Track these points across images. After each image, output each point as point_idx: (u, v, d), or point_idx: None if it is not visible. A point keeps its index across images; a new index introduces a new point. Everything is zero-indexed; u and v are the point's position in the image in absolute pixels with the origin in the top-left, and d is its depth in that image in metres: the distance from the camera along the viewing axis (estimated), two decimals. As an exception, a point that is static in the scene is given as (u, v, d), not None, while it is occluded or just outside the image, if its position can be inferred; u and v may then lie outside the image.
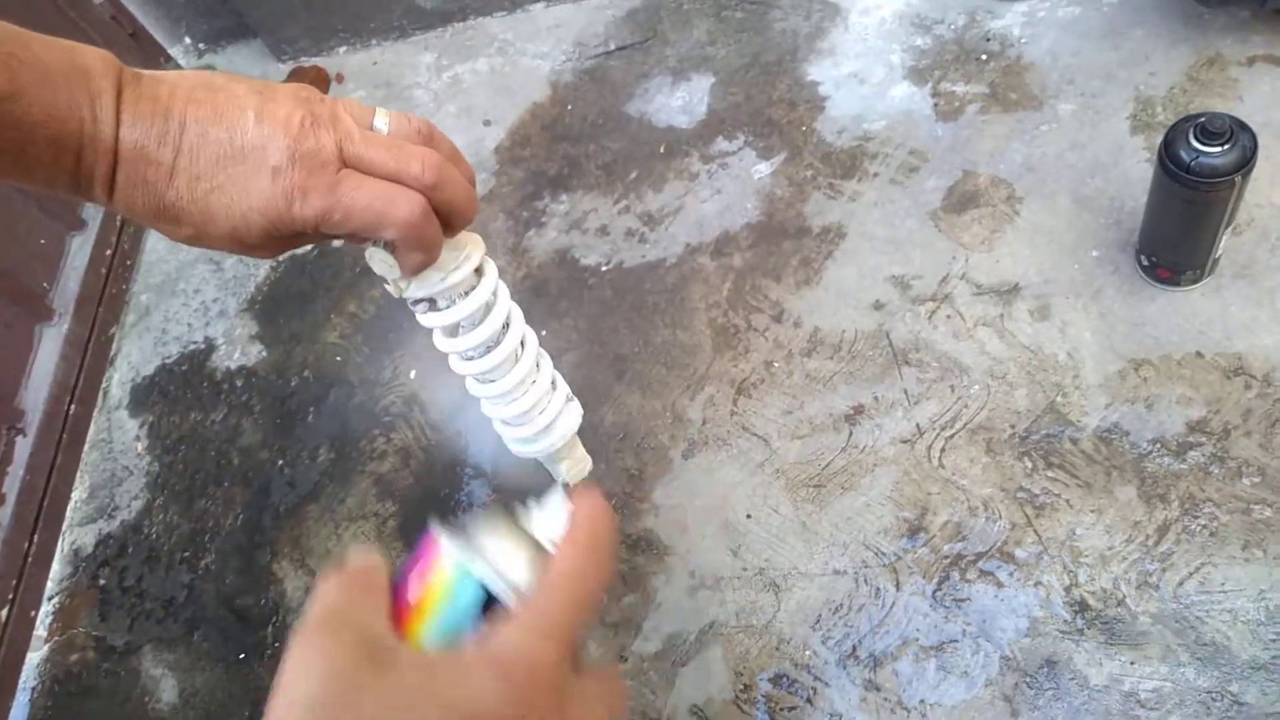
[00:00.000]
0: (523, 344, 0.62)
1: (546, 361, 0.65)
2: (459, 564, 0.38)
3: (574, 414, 0.67)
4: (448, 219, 0.52)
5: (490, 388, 0.62)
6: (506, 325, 0.60)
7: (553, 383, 0.66)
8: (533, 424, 0.64)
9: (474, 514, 0.41)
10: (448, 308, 0.57)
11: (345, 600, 0.35)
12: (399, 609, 0.37)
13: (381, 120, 0.52)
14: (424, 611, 0.37)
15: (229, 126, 0.47)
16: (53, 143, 0.45)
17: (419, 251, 0.51)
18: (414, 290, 0.55)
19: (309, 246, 1.69)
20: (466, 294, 0.57)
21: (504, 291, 0.60)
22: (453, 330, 0.59)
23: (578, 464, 0.70)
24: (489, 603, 0.38)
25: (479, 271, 0.57)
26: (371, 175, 0.49)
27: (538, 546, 0.40)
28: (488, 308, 0.58)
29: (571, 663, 0.36)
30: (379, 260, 0.53)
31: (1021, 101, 1.43)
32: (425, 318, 0.58)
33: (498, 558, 0.39)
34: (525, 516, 0.42)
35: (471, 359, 0.60)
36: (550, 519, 0.41)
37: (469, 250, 0.56)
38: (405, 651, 0.34)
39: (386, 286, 0.56)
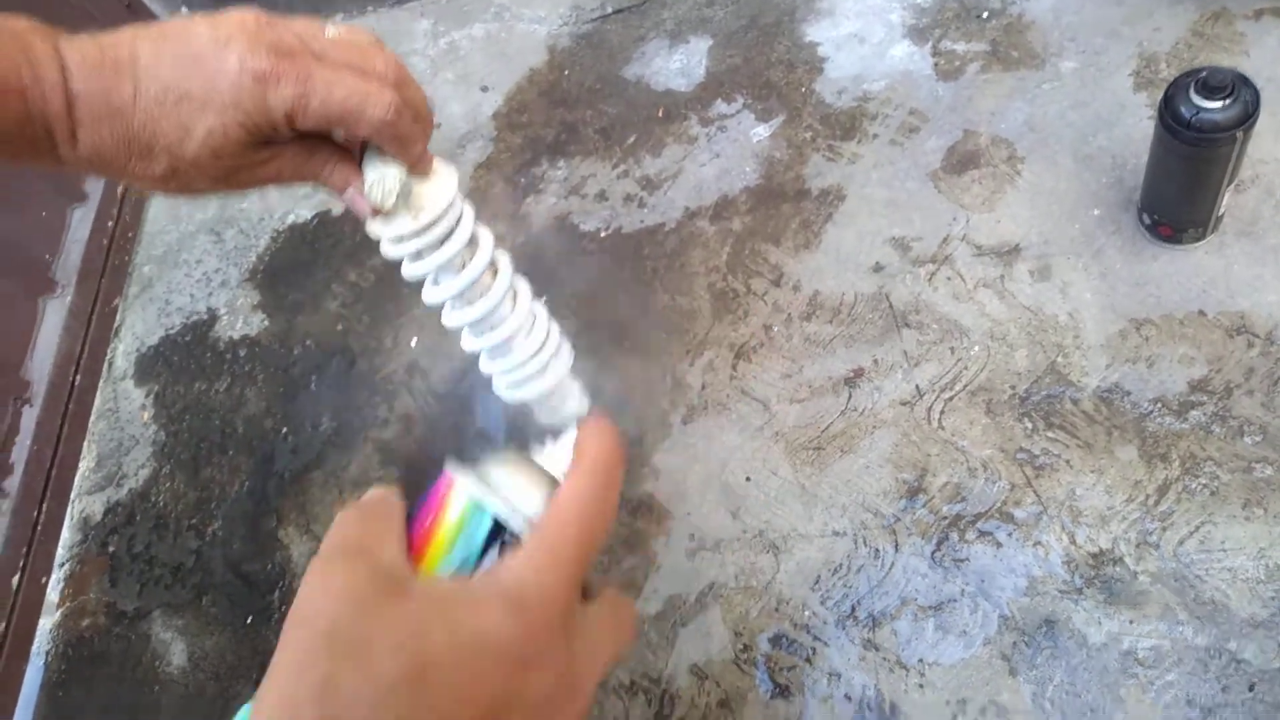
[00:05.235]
0: (515, 295, 0.61)
1: (540, 307, 0.65)
2: (472, 498, 0.38)
3: (565, 356, 0.66)
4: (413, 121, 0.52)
5: (482, 338, 0.61)
6: (494, 269, 0.59)
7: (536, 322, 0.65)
8: (524, 367, 0.63)
9: (488, 452, 0.40)
10: (425, 238, 0.55)
11: (360, 531, 0.35)
12: (413, 542, 0.38)
13: (331, 30, 0.51)
14: (437, 544, 0.38)
15: (181, 39, 0.47)
16: None
17: (399, 148, 0.51)
18: (393, 229, 0.55)
19: (310, 205, 1.69)
20: (446, 237, 0.56)
21: (487, 236, 0.59)
22: (435, 275, 0.58)
23: (577, 402, 0.70)
24: (502, 536, 0.38)
25: (457, 216, 0.56)
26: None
27: (552, 480, 0.40)
28: (470, 249, 0.57)
29: (580, 593, 0.36)
30: (378, 174, 0.52)
31: (1023, 60, 1.41)
32: (410, 266, 0.57)
33: (511, 491, 0.39)
34: (539, 452, 0.42)
35: (458, 307, 0.59)
36: (563, 453, 0.41)
37: (441, 184, 0.55)
38: (418, 582, 0.35)
39: (373, 231, 0.55)
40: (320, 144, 0.53)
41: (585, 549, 0.36)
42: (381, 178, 0.52)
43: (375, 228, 0.55)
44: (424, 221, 0.54)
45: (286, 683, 0.31)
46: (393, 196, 0.52)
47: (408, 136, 0.51)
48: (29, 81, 0.45)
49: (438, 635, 0.32)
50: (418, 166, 0.53)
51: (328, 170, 0.53)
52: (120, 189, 1.80)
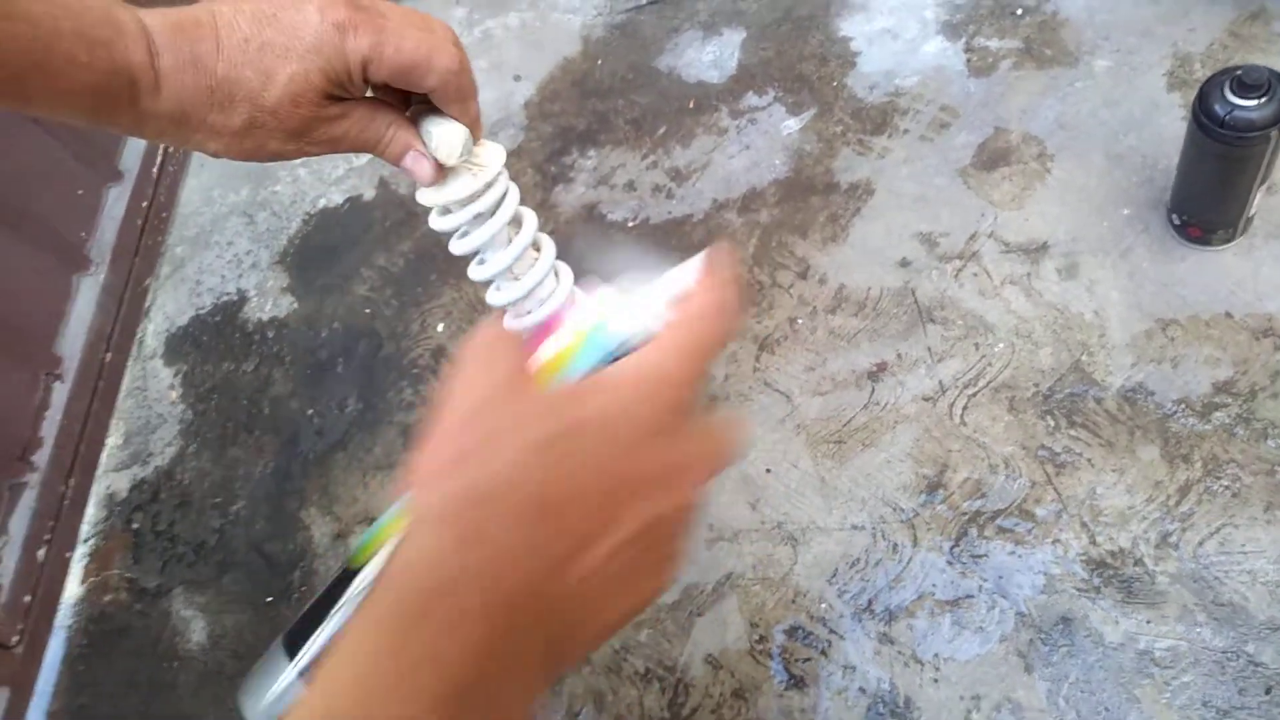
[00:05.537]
0: (557, 273, 0.62)
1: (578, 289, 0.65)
2: (593, 319, 0.40)
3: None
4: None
5: (525, 318, 0.61)
6: (537, 246, 0.60)
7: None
8: None
9: (607, 280, 0.42)
10: (483, 202, 0.56)
11: (487, 346, 0.37)
12: (536, 361, 0.40)
13: None
14: (557, 361, 0.40)
15: None
16: (80, 38, 0.46)
17: (460, 104, 0.53)
18: (439, 196, 0.55)
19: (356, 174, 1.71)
20: (500, 202, 0.57)
21: (530, 214, 0.60)
22: (481, 250, 0.58)
23: None
24: (619, 353, 0.40)
25: (507, 185, 0.57)
26: None
27: (664, 306, 0.41)
28: (515, 226, 0.58)
29: (696, 396, 0.37)
30: (441, 130, 0.53)
31: (1056, 58, 1.40)
32: (459, 243, 0.58)
33: (631, 312, 0.40)
34: (659, 279, 0.43)
35: (504, 285, 0.60)
36: (682, 280, 0.41)
37: (491, 152, 0.56)
38: (540, 385, 0.37)
39: (427, 198, 0.56)
40: (384, 108, 0.55)
41: (706, 350, 0.37)
42: (446, 134, 0.54)
43: (431, 195, 0.56)
44: (484, 180, 0.55)
45: (430, 460, 0.34)
46: (458, 152, 0.54)
47: (468, 92, 0.53)
48: (113, 34, 0.47)
49: (568, 412, 0.34)
50: (475, 126, 0.55)
51: (390, 134, 0.55)
52: (155, 169, 1.83)
